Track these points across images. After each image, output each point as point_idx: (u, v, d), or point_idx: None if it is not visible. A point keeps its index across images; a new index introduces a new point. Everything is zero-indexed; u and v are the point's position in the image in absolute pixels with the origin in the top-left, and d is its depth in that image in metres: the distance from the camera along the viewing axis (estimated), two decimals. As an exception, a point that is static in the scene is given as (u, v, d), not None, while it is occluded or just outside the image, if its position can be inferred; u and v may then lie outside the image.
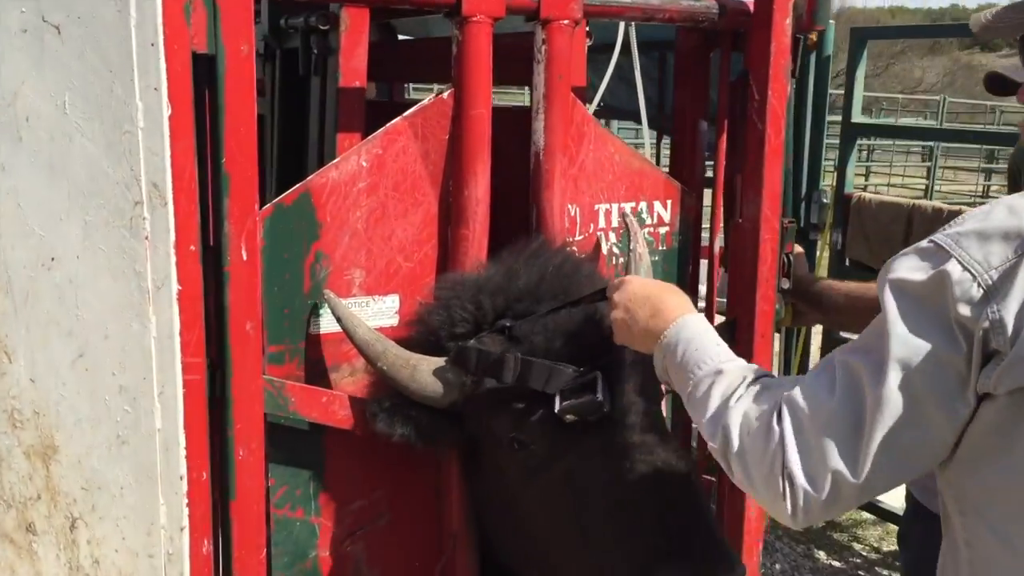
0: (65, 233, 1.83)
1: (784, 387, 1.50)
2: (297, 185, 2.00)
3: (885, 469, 1.38)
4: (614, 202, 2.36)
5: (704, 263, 2.68)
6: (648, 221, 2.43)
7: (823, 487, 1.39)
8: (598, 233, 2.36)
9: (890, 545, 5.25)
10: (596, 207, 2.34)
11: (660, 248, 2.47)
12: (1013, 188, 3.80)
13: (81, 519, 1.86)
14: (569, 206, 2.27)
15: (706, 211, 2.60)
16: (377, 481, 2.20)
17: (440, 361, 1.96)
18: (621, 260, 2.41)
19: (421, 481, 2.24)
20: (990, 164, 20.43)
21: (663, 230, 2.46)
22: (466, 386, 1.96)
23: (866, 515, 5.31)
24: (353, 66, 2.22)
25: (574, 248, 2.25)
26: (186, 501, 1.76)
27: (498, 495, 2.10)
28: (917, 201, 4.87)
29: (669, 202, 2.45)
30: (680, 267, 2.51)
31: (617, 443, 1.88)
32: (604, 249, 2.38)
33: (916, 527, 2.62)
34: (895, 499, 5.46)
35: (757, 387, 1.54)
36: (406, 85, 4.61)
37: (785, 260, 2.45)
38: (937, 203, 4.87)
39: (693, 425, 2.36)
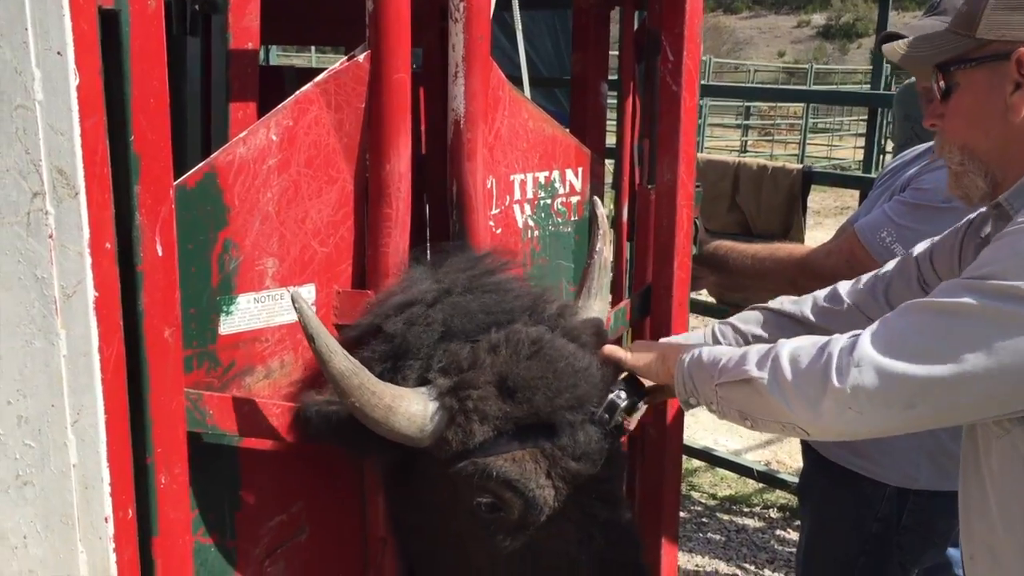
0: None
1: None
2: (200, 164, 1.72)
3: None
4: (528, 171, 2.21)
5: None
6: (561, 191, 2.29)
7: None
8: (513, 205, 2.21)
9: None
10: (511, 178, 2.18)
11: (572, 218, 2.34)
12: (902, 133, 3.92)
13: (-32, 580, 1.53)
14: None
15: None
16: (296, 493, 1.97)
17: (422, 407, 1.72)
18: (536, 234, 2.27)
19: (343, 488, 2.03)
20: (746, 120, 21.77)
21: (575, 199, 2.34)
22: (449, 442, 1.73)
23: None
24: (245, 25, 1.93)
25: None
26: (113, 546, 1.47)
27: (435, 526, 1.92)
28: (742, 159, 5.01)
29: (580, 170, 2.32)
30: (591, 237, 2.40)
31: (586, 516, 1.77)
32: (519, 222, 2.23)
33: (819, 479, 2.67)
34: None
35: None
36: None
37: (695, 226, 2.39)
38: (761, 160, 5.04)
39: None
